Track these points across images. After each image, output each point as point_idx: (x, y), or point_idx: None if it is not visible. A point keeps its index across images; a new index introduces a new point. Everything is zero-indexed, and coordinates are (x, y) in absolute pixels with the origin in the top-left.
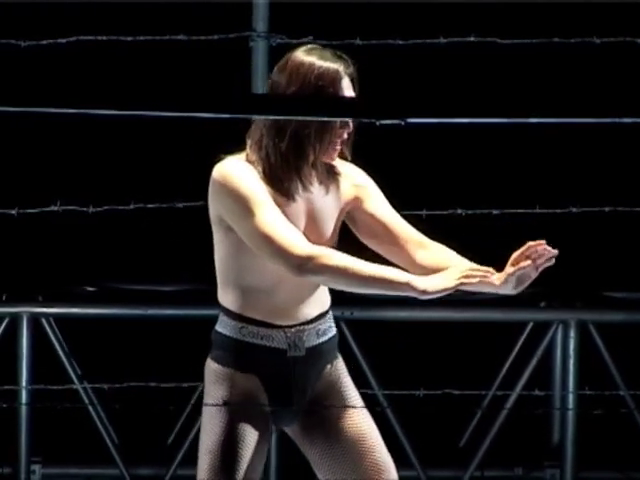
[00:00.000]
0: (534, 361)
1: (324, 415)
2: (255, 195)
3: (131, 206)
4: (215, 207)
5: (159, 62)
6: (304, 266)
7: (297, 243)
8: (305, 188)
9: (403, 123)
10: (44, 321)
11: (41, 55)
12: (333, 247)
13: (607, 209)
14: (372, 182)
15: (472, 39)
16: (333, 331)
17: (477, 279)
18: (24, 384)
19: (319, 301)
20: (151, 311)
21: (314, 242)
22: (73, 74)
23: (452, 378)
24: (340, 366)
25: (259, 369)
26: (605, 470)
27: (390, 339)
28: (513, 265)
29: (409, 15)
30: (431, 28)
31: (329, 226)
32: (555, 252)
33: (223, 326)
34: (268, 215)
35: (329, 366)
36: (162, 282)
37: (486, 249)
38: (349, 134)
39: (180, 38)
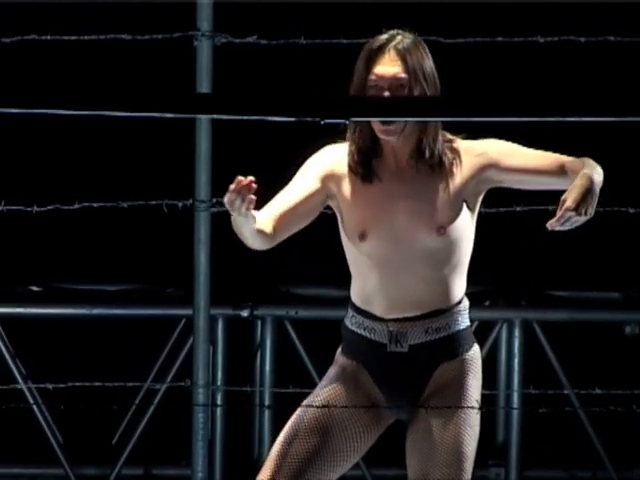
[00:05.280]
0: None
1: (423, 417)
2: (299, 174)
3: (76, 205)
4: None
5: (103, 62)
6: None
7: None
8: (380, 172)
9: (347, 122)
10: None
11: None
12: (442, 227)
13: (551, 208)
14: (491, 144)
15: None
16: (454, 329)
17: None
18: None
19: (433, 298)
20: (96, 311)
21: (411, 221)
22: (16, 74)
23: None
24: (463, 366)
25: (364, 360)
26: (549, 469)
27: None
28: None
29: (353, 14)
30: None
31: (433, 205)
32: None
33: (346, 313)
34: (282, 192)
35: (445, 364)
36: (107, 281)
37: None
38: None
39: (124, 37)
